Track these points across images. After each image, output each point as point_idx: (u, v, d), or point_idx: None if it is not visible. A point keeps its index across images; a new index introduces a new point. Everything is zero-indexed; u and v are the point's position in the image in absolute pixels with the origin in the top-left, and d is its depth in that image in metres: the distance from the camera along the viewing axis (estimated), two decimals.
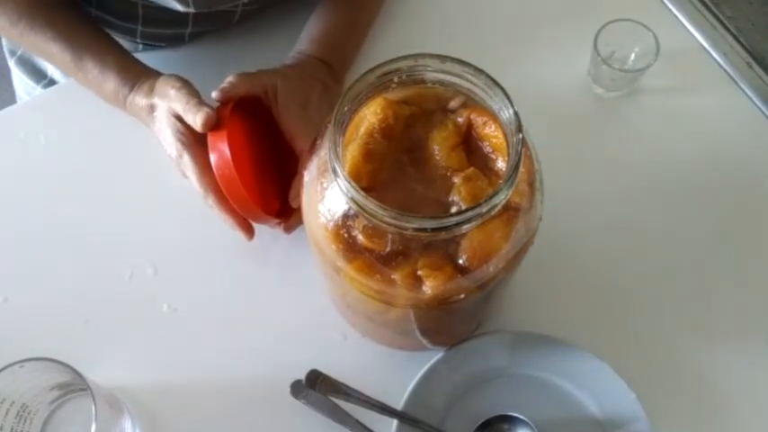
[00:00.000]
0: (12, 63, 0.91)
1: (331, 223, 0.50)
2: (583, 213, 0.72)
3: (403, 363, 0.66)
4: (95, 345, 0.68)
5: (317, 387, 0.63)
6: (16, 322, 0.69)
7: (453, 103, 0.53)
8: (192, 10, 0.71)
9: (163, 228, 0.73)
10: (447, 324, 0.62)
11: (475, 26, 0.84)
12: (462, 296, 0.51)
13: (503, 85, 0.48)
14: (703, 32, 0.83)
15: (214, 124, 0.63)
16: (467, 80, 0.50)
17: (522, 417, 0.61)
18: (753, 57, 0.82)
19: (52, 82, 0.87)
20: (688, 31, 0.83)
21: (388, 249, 0.49)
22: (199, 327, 0.69)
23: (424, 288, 0.49)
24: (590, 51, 0.76)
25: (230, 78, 0.67)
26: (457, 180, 0.50)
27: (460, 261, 0.49)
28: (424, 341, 0.63)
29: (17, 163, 0.77)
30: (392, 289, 0.50)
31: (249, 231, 0.68)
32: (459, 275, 0.49)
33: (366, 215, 0.46)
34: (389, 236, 0.48)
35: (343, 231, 0.49)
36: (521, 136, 0.46)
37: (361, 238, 0.49)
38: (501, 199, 0.45)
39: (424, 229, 0.45)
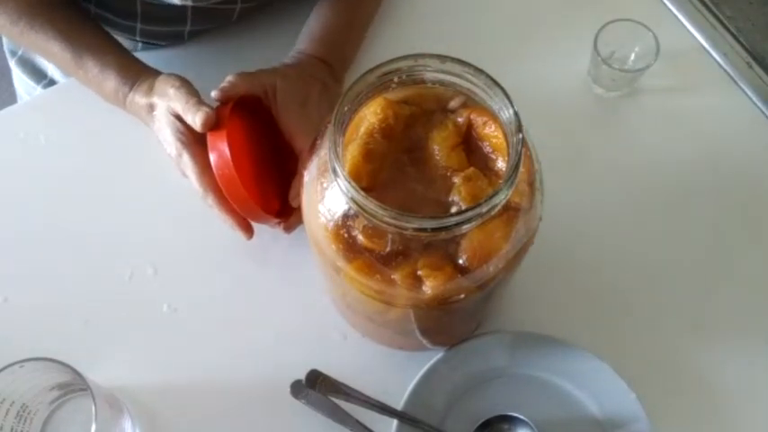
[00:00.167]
0: (12, 63, 0.91)
1: (331, 223, 0.50)
2: (583, 213, 0.72)
3: (403, 363, 0.66)
4: (95, 345, 0.68)
5: (317, 387, 0.63)
6: (16, 322, 0.69)
7: (453, 103, 0.53)
8: (189, 3, 0.71)
9: (163, 228, 0.73)
10: (447, 324, 0.62)
11: (475, 26, 0.84)
12: (462, 296, 0.51)
13: (503, 85, 0.48)
14: (703, 32, 0.83)
15: (213, 124, 0.63)
16: (467, 80, 0.50)
17: (522, 417, 0.61)
18: (753, 57, 0.82)
19: (52, 82, 0.87)
20: (688, 31, 0.83)
21: (388, 249, 0.49)
22: (199, 327, 0.69)
23: (424, 288, 0.49)
24: (590, 51, 0.76)
25: (230, 78, 0.67)
26: (457, 180, 0.50)
27: (460, 261, 0.49)
28: (424, 341, 0.63)
29: (17, 163, 0.77)
30: (392, 289, 0.50)
31: (248, 231, 0.68)
32: (459, 275, 0.49)
33: (366, 215, 0.46)
34: (389, 236, 0.48)
35: (343, 231, 0.49)
36: (521, 136, 0.46)
37: (361, 238, 0.49)
38: (501, 199, 0.45)
39: (424, 229, 0.45)
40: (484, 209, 0.45)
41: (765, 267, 0.71)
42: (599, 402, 0.64)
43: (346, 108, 0.48)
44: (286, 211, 0.68)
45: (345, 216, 0.49)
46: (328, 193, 0.50)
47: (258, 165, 0.68)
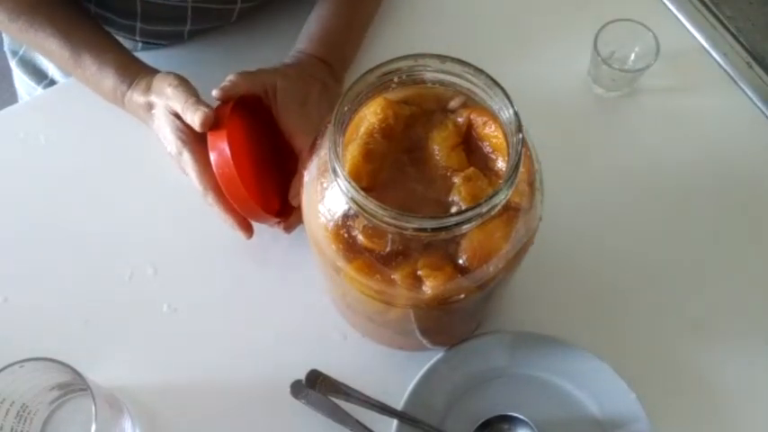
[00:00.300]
0: (13, 63, 0.91)
1: (331, 223, 0.50)
2: (583, 213, 0.72)
3: (403, 363, 0.66)
4: (95, 345, 0.68)
5: (317, 387, 0.63)
6: (16, 322, 0.69)
7: (453, 103, 0.53)
8: (189, 2, 0.71)
9: (163, 228, 0.73)
10: (447, 324, 0.62)
11: (475, 26, 0.84)
12: (462, 296, 0.51)
13: (503, 85, 0.48)
14: (703, 32, 0.83)
15: (212, 123, 0.63)
16: (467, 80, 0.50)
17: (522, 417, 0.61)
18: (753, 57, 0.82)
19: (53, 83, 0.87)
20: (688, 31, 0.83)
21: (388, 249, 0.49)
22: (199, 327, 0.69)
23: (424, 288, 0.49)
24: (590, 51, 0.76)
25: (231, 77, 0.67)
26: (457, 180, 0.50)
27: (460, 261, 0.49)
28: (424, 341, 0.63)
29: (17, 163, 0.77)
30: (392, 289, 0.50)
31: (248, 230, 0.68)
32: (459, 275, 0.49)
33: (366, 215, 0.46)
34: (389, 236, 0.48)
35: (343, 231, 0.49)
36: (521, 136, 0.46)
37: (361, 238, 0.49)
38: (501, 199, 0.45)
39: (424, 229, 0.45)
40: (484, 209, 0.45)
41: (765, 267, 0.71)
42: (599, 402, 0.64)
43: (346, 108, 0.48)
44: (286, 211, 0.68)
45: (345, 216, 0.49)
46: (328, 193, 0.50)
47: (258, 164, 0.68)
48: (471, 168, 0.51)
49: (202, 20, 0.79)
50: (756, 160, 0.77)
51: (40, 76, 0.88)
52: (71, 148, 0.77)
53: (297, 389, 0.63)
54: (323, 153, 0.51)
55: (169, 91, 0.66)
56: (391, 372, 0.66)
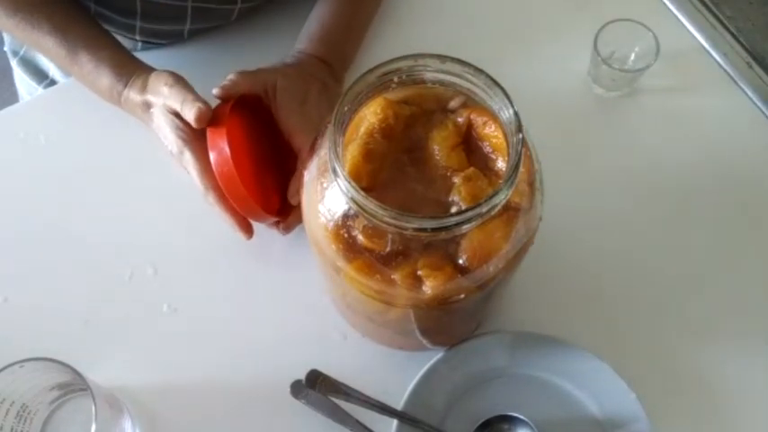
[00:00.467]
0: (14, 63, 0.91)
1: (331, 223, 0.50)
2: (583, 213, 0.72)
3: (403, 363, 0.66)
4: (95, 345, 0.68)
5: (317, 387, 0.63)
6: (16, 322, 0.69)
7: (453, 103, 0.53)
8: (189, 2, 0.71)
9: (163, 228, 0.73)
10: (447, 324, 0.62)
11: (475, 26, 0.84)
12: (462, 296, 0.51)
13: (503, 85, 0.48)
14: (703, 32, 0.83)
15: (208, 119, 0.63)
16: (467, 80, 0.50)
17: (522, 417, 0.61)
18: (753, 57, 0.82)
19: (54, 83, 0.87)
20: (688, 31, 0.83)
21: (388, 249, 0.49)
22: (199, 327, 0.69)
23: (424, 288, 0.49)
24: (590, 51, 0.76)
25: (231, 76, 0.67)
26: (457, 180, 0.50)
27: (460, 261, 0.49)
28: (424, 341, 0.63)
29: (17, 163, 0.77)
30: (392, 289, 0.50)
31: (249, 231, 0.68)
32: (459, 275, 0.49)
33: (366, 215, 0.46)
34: (389, 236, 0.48)
35: (343, 231, 0.49)
36: (521, 136, 0.46)
37: (361, 238, 0.49)
38: (501, 199, 0.45)
39: (424, 229, 0.45)
40: (484, 209, 0.45)
41: (765, 267, 0.71)
42: (599, 402, 0.64)
43: (346, 108, 0.48)
44: (285, 210, 0.68)
45: (345, 216, 0.49)
46: (328, 193, 0.50)
47: (258, 163, 0.68)
48: (471, 168, 0.51)
49: (202, 19, 0.79)
50: (756, 160, 0.77)
51: (40, 75, 0.88)
52: (71, 148, 0.77)
53: (297, 389, 0.63)
54: (323, 153, 0.51)
55: (165, 90, 0.66)
56: (391, 372, 0.66)
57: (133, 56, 0.72)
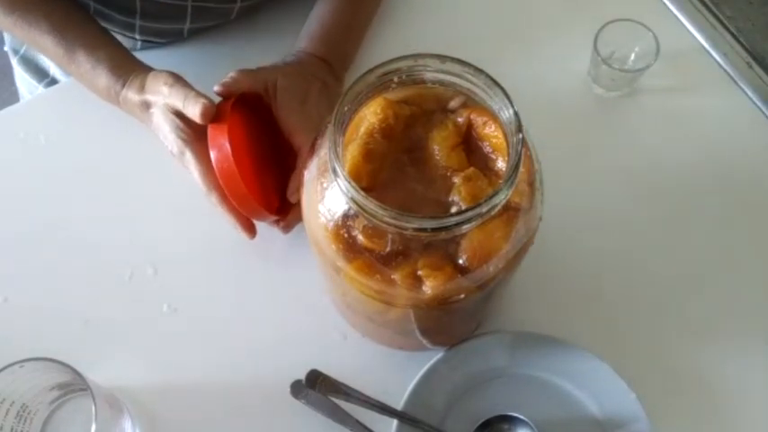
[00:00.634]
0: (14, 62, 0.91)
1: (331, 223, 0.50)
2: (583, 213, 0.72)
3: (403, 363, 0.66)
4: (95, 345, 0.68)
5: (317, 387, 0.63)
6: (16, 322, 0.69)
7: (453, 103, 0.53)
8: (189, 1, 0.70)
9: (163, 228, 0.73)
10: (447, 324, 0.62)
11: (475, 26, 0.84)
12: (462, 296, 0.51)
13: (503, 85, 0.48)
14: (703, 32, 0.83)
15: (213, 115, 0.63)
16: (467, 80, 0.50)
17: (522, 417, 0.61)
18: (753, 57, 0.82)
19: (54, 81, 0.87)
20: (688, 31, 0.83)
21: (388, 249, 0.49)
22: (199, 327, 0.69)
23: (424, 288, 0.49)
24: (590, 51, 0.76)
25: (232, 73, 0.67)
26: (457, 180, 0.50)
27: (460, 261, 0.49)
28: (424, 341, 0.63)
29: (17, 163, 0.77)
30: (392, 289, 0.50)
31: (251, 231, 0.68)
32: (459, 275, 0.49)
33: (366, 215, 0.46)
34: (389, 236, 0.48)
35: (343, 231, 0.49)
36: (521, 136, 0.46)
37: (361, 238, 0.49)
38: (501, 199, 0.45)
39: (424, 229, 0.45)
40: (484, 209, 0.45)
41: (765, 267, 0.71)
42: (599, 402, 0.64)
43: (346, 108, 0.48)
44: (284, 209, 0.68)
45: (345, 216, 0.49)
46: (328, 193, 0.50)
47: (258, 161, 0.68)
48: (471, 168, 0.51)
49: (202, 18, 0.79)
50: (756, 160, 0.77)
51: (41, 74, 0.88)
52: (71, 148, 0.77)
53: (297, 389, 0.63)
54: (323, 153, 0.51)
55: (165, 89, 0.66)
56: (391, 372, 0.66)
57: (131, 55, 0.72)
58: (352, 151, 0.50)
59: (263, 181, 0.67)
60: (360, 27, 0.80)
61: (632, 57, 0.78)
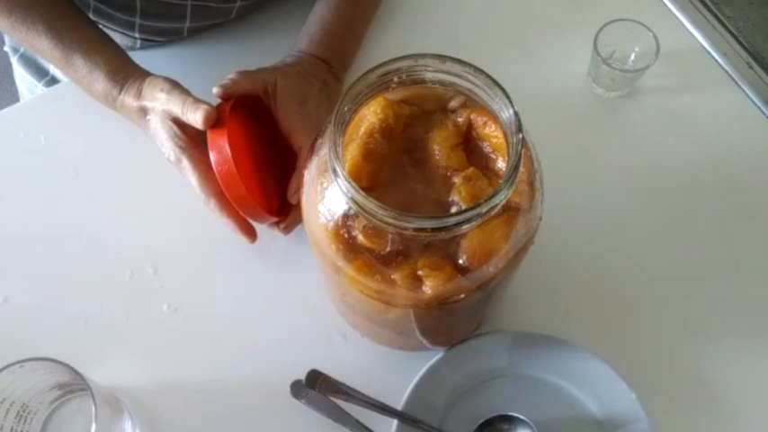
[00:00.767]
0: (14, 60, 0.91)
1: (331, 223, 0.50)
2: (583, 213, 0.72)
3: (403, 363, 0.66)
4: (95, 345, 0.68)
5: (316, 387, 0.63)
6: (16, 322, 0.69)
7: (453, 103, 0.53)
8: (189, 1, 0.70)
9: (163, 228, 0.73)
10: (447, 324, 0.62)
11: (475, 26, 0.84)
12: (462, 296, 0.51)
13: (503, 85, 0.48)
14: (703, 32, 0.83)
15: (215, 120, 0.63)
16: (467, 80, 0.50)
17: (522, 417, 0.61)
18: (753, 57, 0.82)
19: (54, 79, 0.87)
20: (688, 31, 0.83)
21: (388, 249, 0.49)
22: (199, 327, 0.69)
23: (424, 288, 0.49)
24: (590, 51, 0.76)
25: (231, 75, 0.67)
26: (457, 180, 0.50)
27: (460, 261, 0.49)
28: (424, 341, 0.63)
29: (17, 163, 0.77)
30: (392, 289, 0.50)
31: (252, 235, 0.68)
32: (459, 275, 0.49)
33: (366, 215, 0.46)
34: (389, 236, 0.48)
35: (343, 231, 0.49)
36: (521, 136, 0.46)
37: (361, 238, 0.49)
38: (501, 199, 0.45)
39: (424, 229, 0.45)
40: (484, 209, 0.45)
41: (765, 267, 0.71)
42: (599, 402, 0.64)
43: (346, 108, 0.48)
44: (285, 210, 0.68)
45: (345, 216, 0.49)
46: (328, 193, 0.50)
47: (257, 163, 0.68)
48: (471, 168, 0.50)
49: (202, 17, 0.79)
50: (756, 160, 0.77)
51: (41, 73, 0.88)
52: (71, 148, 0.77)
53: (297, 389, 0.63)
54: (323, 153, 0.51)
55: (163, 96, 0.66)
56: (391, 372, 0.66)
57: (129, 59, 0.71)
58: (352, 151, 0.50)
59: (263, 183, 0.67)
60: (360, 27, 0.80)
61: (632, 57, 0.78)
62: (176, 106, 0.64)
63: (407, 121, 0.52)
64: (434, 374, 0.64)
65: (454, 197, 0.50)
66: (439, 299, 0.50)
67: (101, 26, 0.76)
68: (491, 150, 0.52)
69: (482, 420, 0.62)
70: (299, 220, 0.66)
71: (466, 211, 0.45)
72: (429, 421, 0.62)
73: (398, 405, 0.63)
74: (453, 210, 0.49)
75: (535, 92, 0.76)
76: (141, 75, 0.70)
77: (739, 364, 0.67)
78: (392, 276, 0.49)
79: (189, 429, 0.65)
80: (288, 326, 0.68)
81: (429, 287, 0.49)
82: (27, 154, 0.77)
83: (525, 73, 0.79)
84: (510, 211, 0.49)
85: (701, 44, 0.82)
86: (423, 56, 0.49)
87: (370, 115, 0.51)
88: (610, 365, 0.63)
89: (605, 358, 0.64)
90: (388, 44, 0.82)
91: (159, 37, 0.82)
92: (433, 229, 0.45)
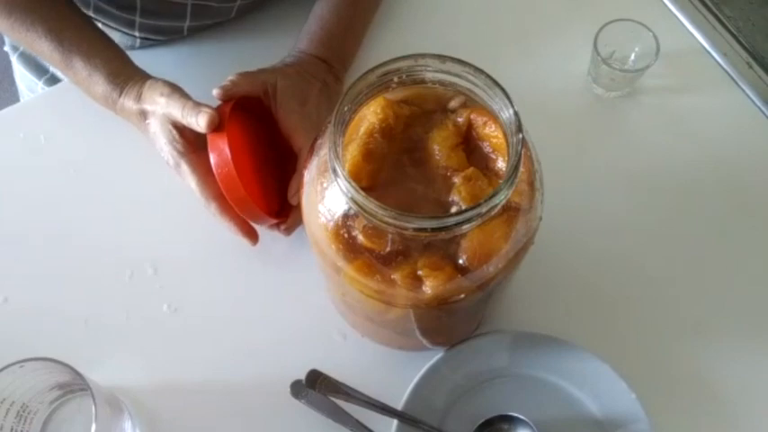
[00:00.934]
0: (14, 59, 0.91)
1: (331, 223, 0.50)
2: (583, 213, 0.72)
3: (403, 363, 0.66)
4: (95, 345, 0.68)
5: (316, 387, 0.63)
6: (16, 322, 0.69)
7: (453, 103, 0.53)
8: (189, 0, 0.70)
9: (163, 228, 0.73)
10: (447, 324, 0.62)
11: (475, 26, 0.84)
12: (462, 296, 0.51)
13: (503, 85, 0.48)
14: (703, 32, 0.83)
15: (218, 124, 0.63)
16: (467, 80, 0.50)
17: (522, 417, 0.61)
18: (753, 57, 0.82)
19: (54, 77, 0.87)
20: (688, 31, 0.83)
21: (388, 249, 0.49)
22: (199, 327, 0.69)
23: (424, 288, 0.49)
24: (590, 51, 0.76)
25: (231, 77, 0.67)
26: (457, 180, 0.50)
27: (460, 261, 0.49)
28: (424, 341, 0.63)
29: (17, 163, 0.77)
30: (392, 289, 0.50)
31: (253, 237, 0.68)
32: (459, 275, 0.49)
33: (366, 215, 0.46)
34: (389, 236, 0.48)
35: (343, 231, 0.49)
36: (521, 136, 0.46)
37: (361, 238, 0.49)
38: (501, 199, 0.45)
39: (424, 229, 0.45)
40: (484, 209, 0.45)
41: (765, 267, 0.71)
42: (599, 402, 0.64)
43: (346, 108, 0.48)
44: (285, 212, 0.68)
45: (345, 216, 0.49)
46: (328, 193, 0.50)
47: (257, 165, 0.68)
48: (471, 168, 0.50)
49: (202, 16, 0.79)
50: (756, 160, 0.77)
51: (41, 70, 0.88)
52: (71, 148, 0.77)
53: (297, 389, 0.63)
54: (323, 153, 0.51)
55: (163, 100, 0.66)
56: (391, 372, 0.66)
57: (129, 61, 0.71)
58: (352, 151, 0.50)
59: (263, 184, 0.67)
60: (360, 27, 0.80)
61: (632, 57, 0.78)
62: (176, 110, 0.64)
63: (407, 121, 0.52)
64: (434, 374, 0.64)
65: (454, 197, 0.50)
66: (439, 299, 0.50)
67: (101, 24, 0.76)
68: (491, 150, 0.52)
69: (482, 420, 0.62)
70: (299, 221, 0.66)
71: (466, 211, 0.45)
72: (429, 421, 0.62)
73: (398, 405, 0.63)
74: (453, 210, 0.49)
75: (535, 92, 0.76)
76: (141, 77, 0.69)
77: (739, 364, 0.67)
78: (392, 276, 0.49)
79: (189, 429, 0.65)
80: (288, 326, 0.68)
81: (429, 287, 0.49)
82: (27, 154, 0.77)
83: (525, 73, 0.79)
84: (510, 211, 0.49)
85: (700, 44, 0.82)
86: (423, 56, 0.49)
87: (370, 115, 0.51)
88: (610, 365, 0.63)
89: (605, 358, 0.64)
90: (388, 44, 0.82)
91: (159, 36, 0.82)
92: (433, 229, 0.45)
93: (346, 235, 0.49)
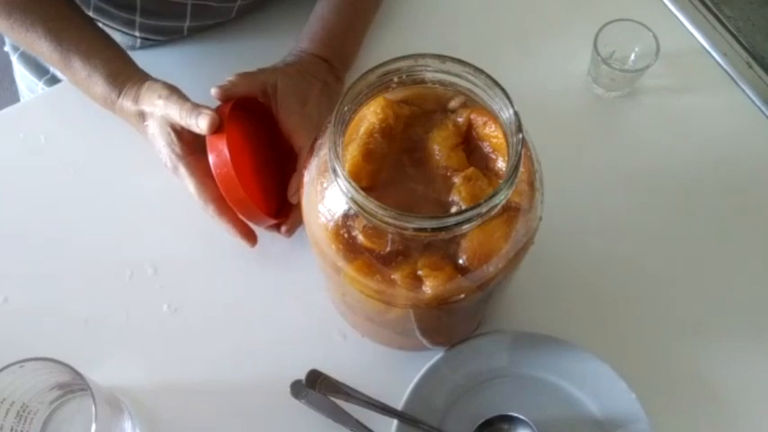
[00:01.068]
0: (14, 59, 0.91)
1: (331, 223, 0.50)
2: (583, 213, 0.72)
3: (403, 363, 0.66)
4: (95, 345, 0.68)
5: (316, 387, 0.63)
6: (16, 322, 0.69)
7: (453, 103, 0.53)
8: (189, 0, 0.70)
9: (163, 228, 0.73)
10: (447, 324, 0.62)
11: (475, 26, 0.84)
12: (462, 296, 0.51)
13: (503, 85, 0.48)
14: (703, 32, 0.83)
15: (218, 125, 0.63)
16: (467, 80, 0.50)
17: (522, 417, 0.61)
18: (753, 57, 0.82)
19: (54, 77, 0.87)
20: (688, 31, 0.83)
21: (388, 249, 0.49)
22: (199, 327, 0.69)
23: (424, 288, 0.49)
24: (590, 51, 0.76)
25: (231, 77, 0.67)
26: (457, 180, 0.50)
27: (460, 261, 0.49)
28: (424, 341, 0.63)
29: (17, 163, 0.77)
30: (392, 289, 0.50)
31: (252, 238, 0.68)
32: (460, 275, 0.49)
33: (366, 215, 0.46)
34: (389, 236, 0.48)
35: (343, 231, 0.49)
36: (521, 136, 0.46)
37: (361, 238, 0.49)
38: (501, 199, 0.45)
39: (424, 229, 0.45)
40: (484, 209, 0.45)
41: (765, 267, 0.71)
42: (599, 402, 0.64)
43: (346, 108, 0.48)
44: (284, 212, 0.68)
45: (345, 216, 0.49)
46: (328, 193, 0.50)
47: (257, 165, 0.68)
48: (471, 168, 0.50)
49: (202, 16, 0.79)
50: (756, 160, 0.77)
51: (41, 71, 0.88)
52: (71, 148, 0.77)
53: (297, 389, 0.63)
54: (323, 153, 0.51)
55: (161, 102, 0.66)
56: (391, 372, 0.66)
57: (128, 61, 0.71)
58: (352, 151, 0.50)
59: (263, 185, 0.67)
60: (361, 27, 0.80)
61: (632, 57, 0.78)
62: (174, 112, 0.64)
63: (407, 121, 0.52)
64: (434, 374, 0.64)
65: (454, 197, 0.50)
66: (439, 299, 0.50)
67: (101, 24, 0.76)
68: (491, 150, 0.52)
69: (482, 420, 0.62)
70: (300, 221, 0.66)
71: (466, 211, 0.45)
72: (429, 421, 0.62)
73: (398, 405, 0.63)
74: (453, 210, 0.49)
75: (535, 92, 0.76)
76: (140, 78, 0.69)
77: (739, 364, 0.67)
78: (392, 276, 0.49)
79: (189, 429, 0.65)
80: (288, 326, 0.68)
81: (429, 287, 0.49)
82: (27, 154, 0.77)
83: (525, 73, 0.79)
84: (510, 211, 0.49)
85: (700, 44, 0.82)
86: (423, 56, 0.49)
87: (370, 115, 0.51)
88: (610, 365, 0.63)
89: (605, 358, 0.64)
90: (388, 44, 0.82)
91: (159, 36, 0.82)
92: (433, 229, 0.45)
93: (346, 235, 0.49)
